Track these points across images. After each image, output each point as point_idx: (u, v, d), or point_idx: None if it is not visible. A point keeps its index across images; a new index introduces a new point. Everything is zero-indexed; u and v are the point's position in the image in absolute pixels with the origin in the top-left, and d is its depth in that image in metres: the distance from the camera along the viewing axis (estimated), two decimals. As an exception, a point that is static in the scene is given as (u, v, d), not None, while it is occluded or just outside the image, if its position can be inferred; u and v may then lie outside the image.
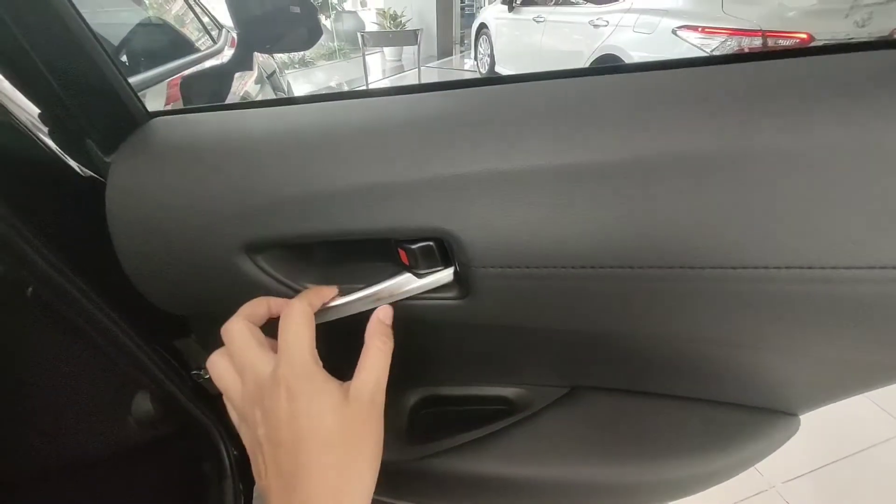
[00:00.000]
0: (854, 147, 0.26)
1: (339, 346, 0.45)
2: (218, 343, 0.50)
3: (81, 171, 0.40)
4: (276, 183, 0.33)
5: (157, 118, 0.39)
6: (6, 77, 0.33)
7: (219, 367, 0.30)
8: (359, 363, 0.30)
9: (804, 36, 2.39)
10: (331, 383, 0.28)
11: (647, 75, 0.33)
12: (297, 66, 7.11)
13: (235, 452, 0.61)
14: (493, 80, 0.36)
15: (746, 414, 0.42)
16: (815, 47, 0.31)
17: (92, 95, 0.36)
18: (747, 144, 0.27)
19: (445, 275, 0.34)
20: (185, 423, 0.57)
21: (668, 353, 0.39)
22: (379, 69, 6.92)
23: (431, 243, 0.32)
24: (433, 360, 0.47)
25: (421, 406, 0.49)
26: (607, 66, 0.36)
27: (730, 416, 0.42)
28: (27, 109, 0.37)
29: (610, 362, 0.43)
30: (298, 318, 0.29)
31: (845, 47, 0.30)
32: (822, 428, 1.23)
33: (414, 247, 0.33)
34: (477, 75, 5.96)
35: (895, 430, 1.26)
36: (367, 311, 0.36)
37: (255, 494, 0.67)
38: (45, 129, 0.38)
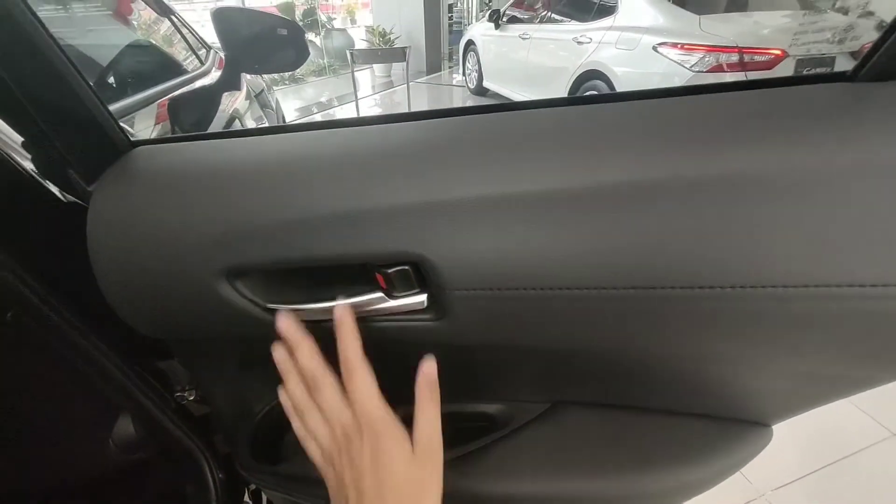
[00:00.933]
0: (819, 172, 0.27)
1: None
2: (201, 365, 0.50)
3: (63, 196, 0.41)
4: (255, 210, 0.34)
5: (140, 147, 0.40)
6: None
7: (311, 413, 0.34)
8: (416, 416, 0.34)
9: (778, 52, 2.49)
10: (404, 437, 0.32)
11: (623, 105, 0.34)
12: (287, 82, 7.17)
13: (221, 475, 0.60)
14: (467, 109, 0.37)
15: (721, 426, 0.43)
16: (787, 78, 0.33)
17: (73, 126, 0.36)
18: (716, 170, 0.28)
19: (418, 300, 0.35)
20: (168, 446, 0.57)
21: (644, 368, 0.40)
22: (368, 85, 6.99)
23: (407, 267, 0.33)
24: (412, 380, 0.47)
25: (404, 425, 0.50)
26: (582, 96, 0.38)
27: (705, 428, 0.43)
28: (9, 136, 0.37)
29: (588, 378, 0.44)
30: (361, 368, 0.33)
31: (817, 78, 0.32)
32: (810, 435, 1.24)
33: (390, 271, 0.33)
34: (465, 90, 6.07)
35: (881, 436, 1.28)
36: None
37: (240, 519, 0.66)
38: (28, 156, 0.38)
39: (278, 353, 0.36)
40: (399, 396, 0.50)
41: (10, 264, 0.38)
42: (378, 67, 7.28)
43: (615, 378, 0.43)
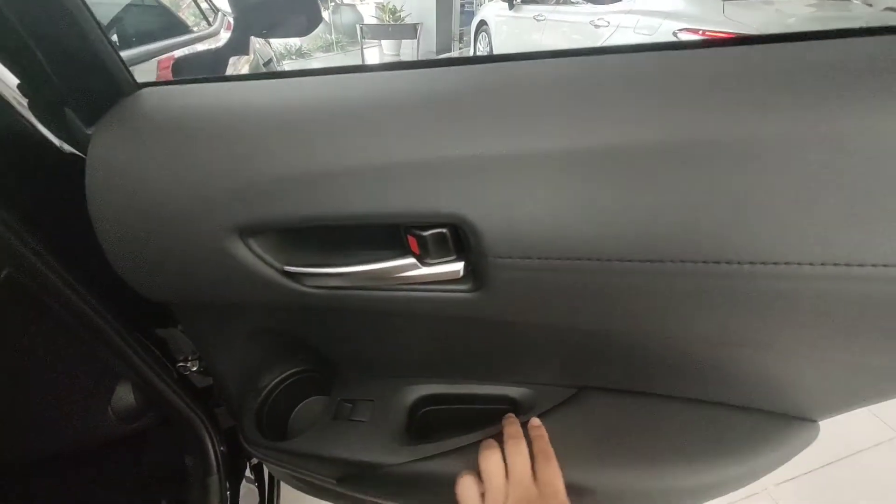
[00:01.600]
0: (869, 138, 0.24)
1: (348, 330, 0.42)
2: (206, 334, 0.47)
3: (62, 146, 0.37)
4: (275, 161, 0.30)
5: (146, 89, 0.36)
6: None
7: (495, 461, 0.37)
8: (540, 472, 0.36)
9: (803, 42, 2.41)
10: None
11: (670, 54, 0.30)
12: (293, 56, 7.03)
13: (222, 448, 0.58)
14: (509, 56, 0.33)
15: (763, 419, 0.40)
16: (828, 31, 0.29)
17: (76, 63, 0.33)
18: (772, 130, 0.25)
19: (453, 268, 0.32)
20: (169, 417, 0.55)
21: (682, 353, 0.37)
22: (376, 63, 6.85)
23: (444, 230, 0.30)
24: (437, 355, 0.45)
25: (421, 404, 0.47)
26: (628, 45, 0.34)
27: (745, 421, 0.40)
28: (5, 80, 0.34)
29: (620, 362, 0.41)
30: (555, 461, 0.36)
31: (855, 32, 0.28)
32: (815, 432, 1.23)
33: (425, 234, 0.30)
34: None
35: (886, 435, 1.27)
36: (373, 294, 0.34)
37: (241, 492, 0.64)
38: (24, 102, 0.35)
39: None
40: (421, 374, 0.48)
41: (4, 218, 0.35)
42: (387, 45, 7.12)
43: (650, 364, 0.40)
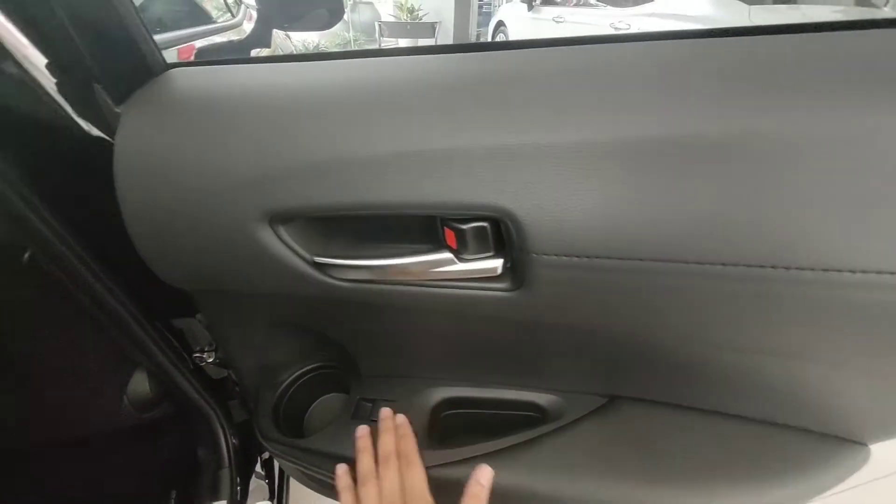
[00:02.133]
0: None
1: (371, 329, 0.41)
2: (227, 324, 0.46)
3: (90, 129, 0.37)
4: (308, 146, 0.29)
5: (176, 69, 0.35)
6: (15, 22, 0.30)
7: (371, 483, 0.38)
8: (404, 478, 0.37)
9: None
10: None
11: (721, 42, 0.28)
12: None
13: (235, 441, 0.58)
14: (549, 41, 0.32)
15: (809, 439, 0.38)
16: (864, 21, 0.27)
17: (106, 39, 0.32)
18: (835, 126, 0.23)
19: (492, 265, 0.30)
20: (183, 407, 0.54)
21: (725, 364, 0.35)
22: (411, 46, 6.86)
23: (485, 224, 0.28)
24: (465, 355, 0.43)
25: (444, 407, 0.45)
26: (673, 31, 0.32)
27: (790, 442, 0.38)
28: (34, 61, 0.33)
29: (659, 371, 0.39)
30: (418, 463, 0.38)
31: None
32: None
33: (464, 227, 0.28)
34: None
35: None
36: (404, 290, 0.32)
37: (251, 488, 0.63)
38: (54, 82, 0.34)
39: (362, 430, 0.41)
40: (445, 375, 0.46)
41: (30, 200, 0.34)
42: (404, 44, 7.14)
43: (688, 373, 0.38)
